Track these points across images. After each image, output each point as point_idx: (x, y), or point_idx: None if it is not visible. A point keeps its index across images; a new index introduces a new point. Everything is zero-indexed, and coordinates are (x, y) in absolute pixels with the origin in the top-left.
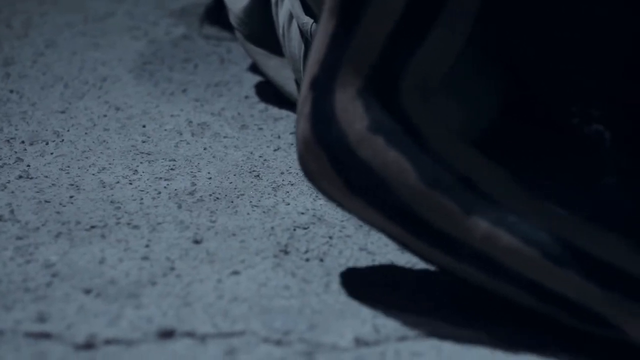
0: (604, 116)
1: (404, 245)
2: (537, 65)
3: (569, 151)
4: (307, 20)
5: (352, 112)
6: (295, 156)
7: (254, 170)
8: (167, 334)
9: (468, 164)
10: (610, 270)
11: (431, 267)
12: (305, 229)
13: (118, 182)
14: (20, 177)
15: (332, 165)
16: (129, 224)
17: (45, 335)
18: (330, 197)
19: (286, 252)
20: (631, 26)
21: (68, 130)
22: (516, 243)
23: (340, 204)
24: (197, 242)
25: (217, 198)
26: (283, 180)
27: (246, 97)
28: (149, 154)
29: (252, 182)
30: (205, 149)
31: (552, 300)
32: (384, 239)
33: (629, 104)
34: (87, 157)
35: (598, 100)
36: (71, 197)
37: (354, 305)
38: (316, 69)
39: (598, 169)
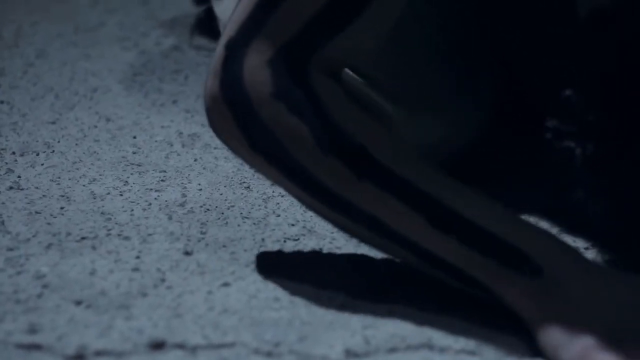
0: (575, 133)
1: (304, 203)
2: (519, 76)
3: (542, 164)
4: None
5: (259, 77)
6: None
7: (244, 182)
8: (157, 346)
9: (365, 134)
10: (489, 239)
11: (421, 278)
12: (295, 240)
13: (109, 193)
14: (11, 188)
15: (237, 123)
16: (119, 235)
17: (36, 347)
18: (234, 152)
19: (276, 264)
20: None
21: (58, 141)
22: (403, 208)
23: (243, 159)
24: (187, 253)
25: (208, 209)
26: (273, 192)
27: None
28: (140, 165)
29: (242, 193)
30: (195, 160)
31: (435, 263)
32: (374, 251)
33: (600, 122)
34: (77, 168)
35: (571, 117)
36: (62, 208)
37: (344, 316)
38: (234, 31)
39: (568, 184)
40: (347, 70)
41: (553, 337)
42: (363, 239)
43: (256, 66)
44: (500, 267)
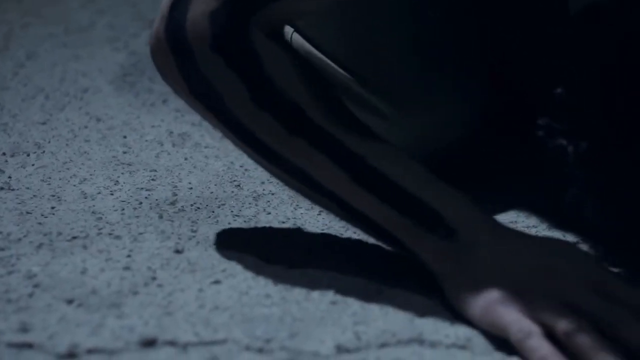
0: (567, 131)
1: (241, 150)
2: (510, 74)
3: (536, 162)
4: (288, 29)
5: (200, 28)
6: None
7: (234, 180)
8: (149, 343)
9: (298, 93)
10: (408, 199)
11: (412, 273)
12: (286, 237)
13: (99, 193)
14: (2, 188)
15: (178, 69)
16: (110, 234)
17: (28, 346)
18: (176, 93)
19: (267, 261)
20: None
21: (49, 142)
22: (330, 164)
23: (184, 101)
24: (178, 251)
25: (198, 208)
26: (264, 190)
27: None
28: (130, 165)
29: (232, 191)
30: (186, 159)
31: (357, 218)
32: (364, 248)
33: (593, 120)
34: (68, 168)
35: (564, 115)
36: (53, 208)
37: (335, 312)
38: None
39: (562, 182)
40: (338, 68)
41: (461, 294)
42: (297, 191)
43: (198, 16)
44: (416, 227)
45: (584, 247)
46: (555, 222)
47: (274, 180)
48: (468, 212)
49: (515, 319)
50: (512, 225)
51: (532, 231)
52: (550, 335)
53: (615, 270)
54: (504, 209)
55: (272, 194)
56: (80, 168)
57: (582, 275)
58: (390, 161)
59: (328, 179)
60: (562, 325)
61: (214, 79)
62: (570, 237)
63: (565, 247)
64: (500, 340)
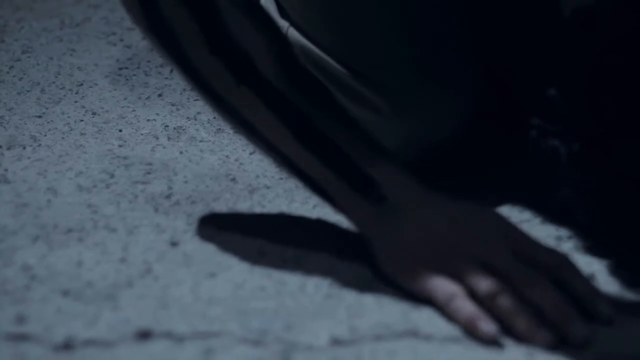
0: (559, 132)
1: (192, 90)
2: (503, 74)
3: (528, 162)
4: (283, 24)
5: None
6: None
7: (230, 174)
8: (144, 335)
9: (251, 45)
10: (345, 161)
11: None
12: (281, 230)
13: (95, 186)
14: None
15: (140, 7)
16: (106, 227)
17: (24, 337)
18: (133, 22)
19: (262, 254)
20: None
21: (45, 135)
22: (273, 119)
23: (141, 31)
24: (173, 244)
25: (194, 202)
26: (259, 184)
27: None
28: (126, 158)
29: (228, 185)
30: (181, 152)
31: (298, 173)
32: (360, 242)
33: (585, 121)
34: (64, 162)
35: (556, 116)
36: (49, 201)
37: (330, 305)
38: None
39: (554, 182)
40: (335, 63)
41: (388, 258)
42: (246, 139)
43: None
44: (350, 190)
45: (578, 242)
46: (549, 216)
47: (269, 174)
48: (400, 179)
49: (439, 282)
50: None
51: (525, 225)
52: (473, 296)
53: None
54: (497, 202)
55: (267, 188)
56: (76, 161)
57: (502, 238)
58: (333, 123)
59: (270, 133)
60: (483, 287)
61: (174, 24)
62: (563, 232)
63: (488, 213)
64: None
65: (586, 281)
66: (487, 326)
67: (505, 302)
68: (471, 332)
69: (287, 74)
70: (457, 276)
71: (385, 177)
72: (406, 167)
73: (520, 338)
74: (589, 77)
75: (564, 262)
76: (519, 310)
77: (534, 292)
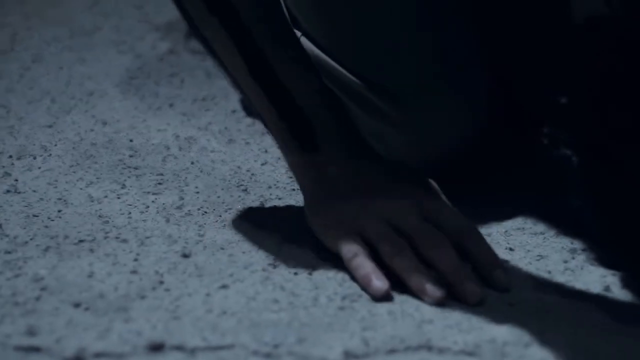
0: (572, 141)
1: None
2: (516, 82)
3: (539, 169)
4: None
5: None
6: (283, 170)
7: (241, 185)
8: (156, 347)
9: None
10: (290, 104)
11: None
12: (293, 242)
13: (106, 197)
14: (8, 191)
15: None
16: (117, 238)
17: (35, 349)
18: None
19: (275, 266)
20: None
21: (55, 145)
22: (234, 51)
23: None
24: (185, 255)
25: (205, 212)
26: (270, 195)
27: (233, 111)
28: (137, 168)
29: (239, 196)
30: (192, 163)
31: (252, 105)
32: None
33: (596, 132)
34: (74, 172)
35: (568, 124)
36: (59, 211)
37: (343, 318)
38: None
39: (565, 190)
40: (346, 72)
41: (311, 208)
42: (222, 73)
43: None
44: (289, 134)
45: (592, 254)
46: (564, 228)
47: (281, 185)
48: (338, 130)
49: (346, 239)
50: (519, 232)
51: (540, 238)
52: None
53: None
54: (511, 214)
55: (279, 199)
56: (86, 171)
57: (414, 203)
58: (289, 64)
59: (231, 64)
60: (384, 245)
61: None
62: (578, 244)
63: (412, 175)
64: (509, 347)
65: (487, 249)
66: (379, 283)
67: (403, 260)
68: (366, 288)
69: (256, 7)
70: (365, 234)
71: (323, 128)
72: (351, 125)
73: (415, 294)
74: (600, 85)
75: (468, 229)
76: (415, 268)
77: (433, 253)
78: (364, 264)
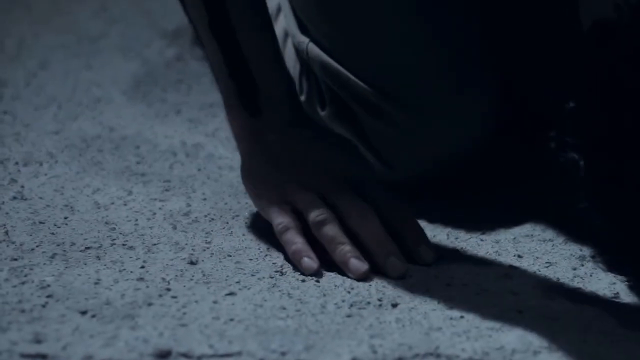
0: (579, 145)
1: None
2: (523, 86)
3: (547, 174)
4: (303, 40)
5: None
6: None
7: None
8: (163, 355)
9: None
10: (242, 64)
11: (426, 288)
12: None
13: (113, 203)
14: (15, 198)
15: None
16: (124, 245)
17: (42, 356)
18: None
19: (282, 273)
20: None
21: (62, 152)
22: (199, 3)
23: None
24: (192, 263)
25: (212, 219)
26: None
27: None
28: (144, 175)
29: (247, 203)
30: (199, 169)
31: (207, 58)
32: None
33: (603, 135)
34: (81, 178)
35: (575, 128)
36: (66, 218)
37: (351, 325)
38: None
39: (572, 194)
40: (354, 77)
41: (247, 175)
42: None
43: None
44: (236, 94)
45: (601, 261)
46: (572, 235)
47: None
48: (283, 100)
49: (277, 210)
50: (528, 239)
51: (549, 244)
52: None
53: (629, 285)
54: (519, 221)
55: None
56: (93, 178)
57: (347, 175)
58: (249, 27)
59: (195, 15)
60: (313, 216)
61: None
62: (587, 251)
63: (348, 150)
64: (518, 354)
65: (414, 225)
66: (308, 261)
67: (329, 231)
68: (296, 264)
69: None
70: (296, 204)
71: (269, 95)
72: (297, 98)
73: (339, 265)
74: (607, 90)
75: (396, 205)
76: (340, 240)
77: (360, 226)
78: (295, 239)
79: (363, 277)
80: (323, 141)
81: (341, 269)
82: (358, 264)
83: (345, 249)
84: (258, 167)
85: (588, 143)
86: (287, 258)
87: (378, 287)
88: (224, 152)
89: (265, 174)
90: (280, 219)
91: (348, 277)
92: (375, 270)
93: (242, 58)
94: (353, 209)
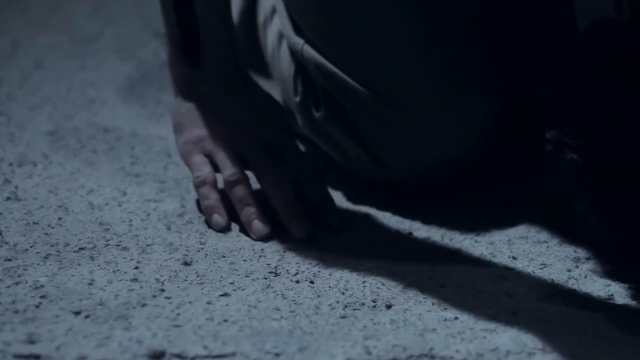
0: (577, 146)
1: None
2: (521, 88)
3: (544, 176)
4: (298, 41)
5: None
6: None
7: None
8: (157, 356)
9: None
10: (190, 15)
11: (420, 289)
12: (295, 250)
13: (107, 204)
14: (9, 198)
15: None
16: (118, 245)
17: (35, 357)
18: None
19: (276, 274)
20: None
21: (56, 152)
22: None
23: None
24: (186, 263)
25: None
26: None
27: None
28: (138, 176)
29: None
30: None
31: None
32: (374, 262)
33: (600, 136)
34: (75, 179)
35: (573, 129)
36: (60, 218)
37: (345, 326)
38: None
39: (569, 195)
40: (349, 79)
41: (177, 124)
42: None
43: None
44: (180, 43)
45: (596, 263)
46: (567, 237)
47: None
48: (224, 54)
49: (197, 162)
50: (522, 241)
51: (544, 246)
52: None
53: (624, 287)
54: (514, 223)
55: None
56: (87, 179)
57: (268, 137)
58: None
59: None
60: (227, 174)
61: None
62: (582, 253)
63: (276, 112)
64: (512, 356)
65: (323, 191)
66: (218, 217)
67: (239, 192)
68: (207, 218)
69: None
70: (214, 159)
71: (211, 48)
72: (238, 58)
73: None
74: (606, 87)
75: (309, 171)
76: (247, 201)
77: (271, 189)
78: (210, 195)
79: (263, 239)
80: (255, 103)
81: (336, 271)
82: (260, 226)
83: (250, 211)
84: (188, 115)
85: (588, 143)
86: (282, 259)
87: (372, 289)
88: None
89: (193, 124)
90: (198, 172)
91: (342, 278)
92: (372, 273)
93: (192, 10)
94: (267, 171)
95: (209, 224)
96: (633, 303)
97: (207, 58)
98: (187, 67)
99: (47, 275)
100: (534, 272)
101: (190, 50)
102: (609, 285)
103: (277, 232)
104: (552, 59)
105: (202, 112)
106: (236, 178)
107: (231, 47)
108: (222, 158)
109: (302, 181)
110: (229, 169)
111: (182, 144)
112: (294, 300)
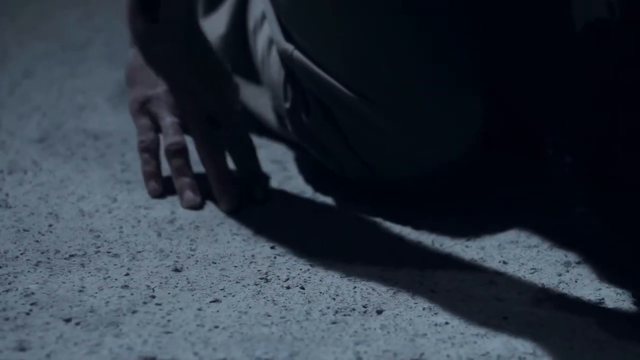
0: (575, 148)
1: None
2: (515, 92)
3: (542, 179)
4: (288, 47)
5: None
6: (275, 184)
7: None
8: None
9: None
10: None
11: (411, 294)
12: (285, 256)
13: (97, 211)
14: None
15: None
16: (108, 252)
17: None
18: None
19: (267, 280)
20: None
21: (46, 159)
22: None
23: None
24: (177, 270)
25: (197, 226)
26: (263, 209)
27: None
28: (128, 183)
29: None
30: None
31: None
32: (365, 268)
33: (600, 138)
34: (66, 186)
35: (572, 132)
36: (50, 225)
37: (336, 332)
38: None
39: (569, 199)
40: (339, 85)
41: (129, 80)
42: None
43: None
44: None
45: (587, 268)
46: (558, 241)
47: (274, 199)
48: (182, 13)
49: (144, 126)
50: (513, 245)
51: (534, 251)
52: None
53: (614, 291)
54: (505, 227)
55: (272, 213)
56: (78, 186)
57: (212, 104)
58: None
59: None
60: (167, 142)
61: None
62: (572, 257)
63: (225, 79)
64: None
65: (254, 165)
66: (154, 184)
67: (177, 161)
68: (144, 182)
69: None
70: (159, 122)
71: (170, 7)
72: (196, 20)
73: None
74: (602, 89)
75: (245, 144)
76: (183, 171)
77: (206, 161)
78: (150, 162)
79: (193, 208)
80: (204, 70)
81: (327, 276)
82: (191, 196)
83: (184, 181)
84: (140, 71)
85: (587, 144)
86: (272, 265)
87: (363, 294)
88: None
89: (144, 81)
90: (143, 137)
91: (333, 284)
92: (362, 278)
93: None
94: (204, 139)
95: (147, 190)
96: (624, 307)
97: (166, 16)
98: (145, 21)
99: (37, 283)
100: (525, 277)
101: (150, 5)
102: (600, 289)
103: (267, 239)
104: (548, 61)
105: (155, 69)
106: (176, 148)
107: (191, 9)
108: (165, 125)
109: (238, 153)
110: (170, 138)
111: (131, 100)
112: (285, 306)
